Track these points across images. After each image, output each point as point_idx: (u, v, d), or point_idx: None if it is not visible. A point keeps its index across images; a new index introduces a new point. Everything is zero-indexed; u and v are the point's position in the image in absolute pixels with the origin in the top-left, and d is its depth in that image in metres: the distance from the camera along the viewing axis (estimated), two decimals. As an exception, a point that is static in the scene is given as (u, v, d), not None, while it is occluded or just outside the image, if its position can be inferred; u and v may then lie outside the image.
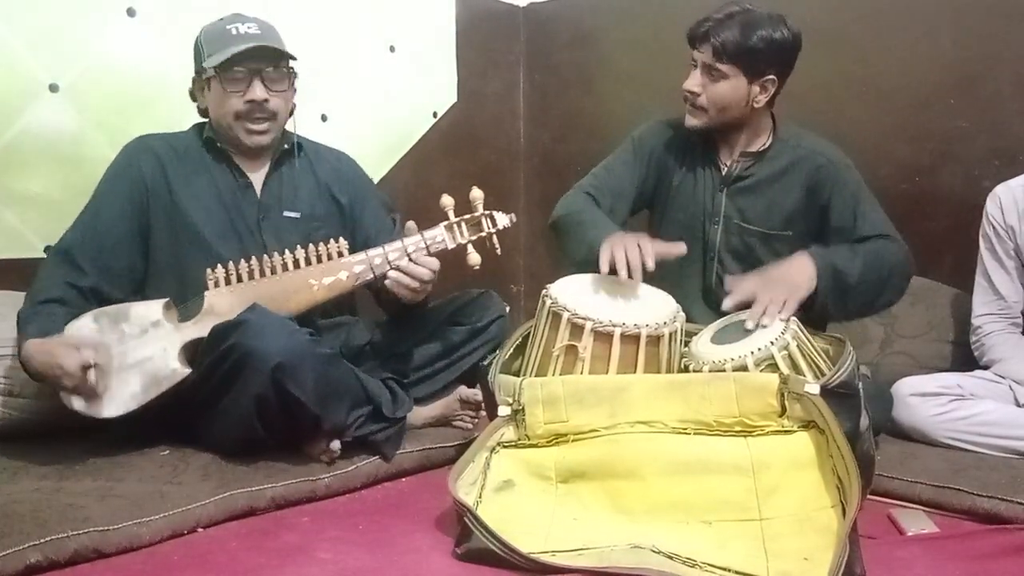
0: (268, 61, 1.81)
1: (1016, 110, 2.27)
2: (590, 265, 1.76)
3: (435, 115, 2.93)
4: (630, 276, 1.67)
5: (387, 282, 1.76)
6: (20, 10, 2.00)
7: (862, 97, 2.48)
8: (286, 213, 1.90)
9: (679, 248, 1.78)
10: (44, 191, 2.07)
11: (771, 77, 1.87)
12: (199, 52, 1.84)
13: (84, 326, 1.67)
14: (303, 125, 2.00)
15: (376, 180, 2.72)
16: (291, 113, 1.91)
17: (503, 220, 1.83)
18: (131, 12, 2.18)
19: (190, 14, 2.24)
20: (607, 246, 1.72)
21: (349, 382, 1.72)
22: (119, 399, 1.64)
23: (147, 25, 2.21)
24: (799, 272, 1.77)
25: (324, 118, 2.56)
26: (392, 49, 2.77)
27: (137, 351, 1.68)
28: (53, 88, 2.07)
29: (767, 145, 1.96)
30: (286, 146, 1.92)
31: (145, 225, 1.83)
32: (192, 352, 1.70)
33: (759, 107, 1.90)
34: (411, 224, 1.80)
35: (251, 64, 1.79)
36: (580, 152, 2.96)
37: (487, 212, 1.82)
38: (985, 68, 2.32)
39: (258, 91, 1.80)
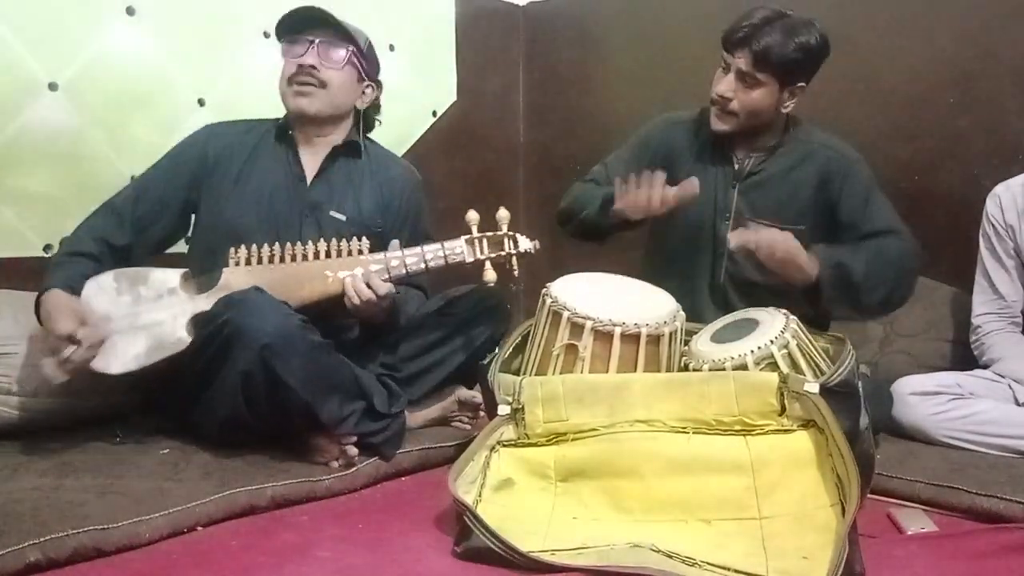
0: (327, 33, 1.86)
1: (1016, 109, 2.27)
2: (604, 229, 1.83)
3: (435, 114, 2.93)
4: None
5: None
6: (19, 8, 2.00)
7: (862, 96, 2.48)
8: (332, 213, 1.91)
9: (692, 186, 1.80)
10: (43, 189, 2.07)
11: (802, 84, 1.87)
12: None
13: (104, 283, 1.72)
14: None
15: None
16: (364, 98, 1.96)
17: (525, 244, 1.82)
18: (130, 11, 2.18)
19: (189, 13, 2.25)
20: (621, 188, 1.77)
21: (342, 373, 1.72)
22: (123, 358, 1.67)
23: (146, 24, 2.20)
24: (803, 255, 1.77)
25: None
26: (392, 48, 2.76)
27: (149, 314, 1.71)
28: (52, 87, 2.06)
29: (779, 141, 1.96)
30: (339, 141, 1.94)
31: (195, 201, 1.89)
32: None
33: (786, 111, 1.90)
34: (395, 242, 1.81)
35: (308, 34, 1.84)
36: (579, 151, 2.96)
37: (511, 232, 1.81)
38: (984, 67, 2.32)
39: (309, 57, 1.84)
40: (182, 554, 1.37)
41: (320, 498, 1.63)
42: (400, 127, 2.82)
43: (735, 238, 1.78)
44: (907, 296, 1.94)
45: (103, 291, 1.72)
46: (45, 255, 2.04)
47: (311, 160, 1.93)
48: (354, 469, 1.69)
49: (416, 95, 2.86)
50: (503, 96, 3.19)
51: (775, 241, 1.77)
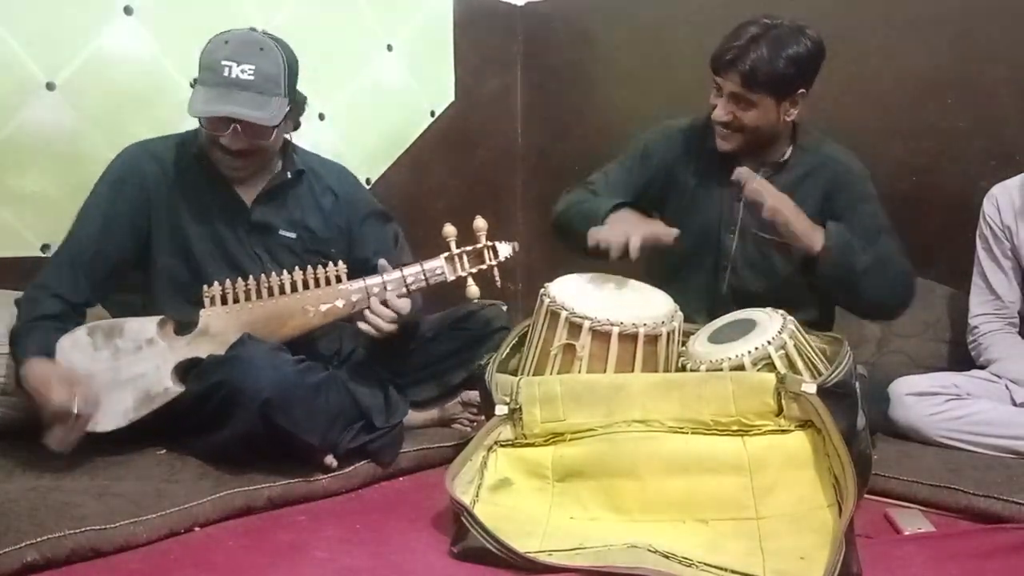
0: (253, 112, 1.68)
1: (1013, 110, 2.27)
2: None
3: (432, 114, 2.93)
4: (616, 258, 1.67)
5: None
6: (17, 8, 1.99)
7: (859, 96, 2.48)
8: (282, 233, 1.86)
9: (671, 233, 1.74)
10: (41, 189, 2.06)
11: (802, 91, 1.83)
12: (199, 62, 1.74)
13: (79, 339, 1.67)
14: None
15: (373, 179, 2.73)
16: (296, 128, 1.87)
17: (505, 250, 1.78)
18: (128, 10, 2.18)
19: (187, 12, 2.25)
20: (597, 230, 1.71)
21: (340, 404, 1.70)
22: (111, 415, 1.64)
23: (144, 23, 2.20)
24: (802, 224, 1.75)
25: (322, 117, 2.56)
26: (390, 48, 2.76)
27: (131, 367, 1.67)
28: (50, 86, 2.06)
29: (788, 155, 1.92)
30: (288, 175, 1.86)
31: (145, 233, 1.80)
32: (185, 371, 1.69)
33: (790, 119, 1.87)
34: (383, 262, 1.76)
35: (231, 116, 1.68)
36: (577, 151, 2.96)
37: (489, 243, 1.77)
38: (982, 68, 2.32)
39: (236, 143, 1.72)
40: (179, 555, 1.37)
41: (317, 498, 1.63)
42: (398, 127, 2.82)
43: (751, 191, 1.74)
44: (899, 305, 1.90)
45: (79, 348, 1.66)
46: (43, 255, 2.04)
47: (245, 186, 1.84)
48: (351, 469, 1.69)
49: (414, 96, 2.86)
50: (501, 96, 3.19)
51: (779, 211, 1.73)
